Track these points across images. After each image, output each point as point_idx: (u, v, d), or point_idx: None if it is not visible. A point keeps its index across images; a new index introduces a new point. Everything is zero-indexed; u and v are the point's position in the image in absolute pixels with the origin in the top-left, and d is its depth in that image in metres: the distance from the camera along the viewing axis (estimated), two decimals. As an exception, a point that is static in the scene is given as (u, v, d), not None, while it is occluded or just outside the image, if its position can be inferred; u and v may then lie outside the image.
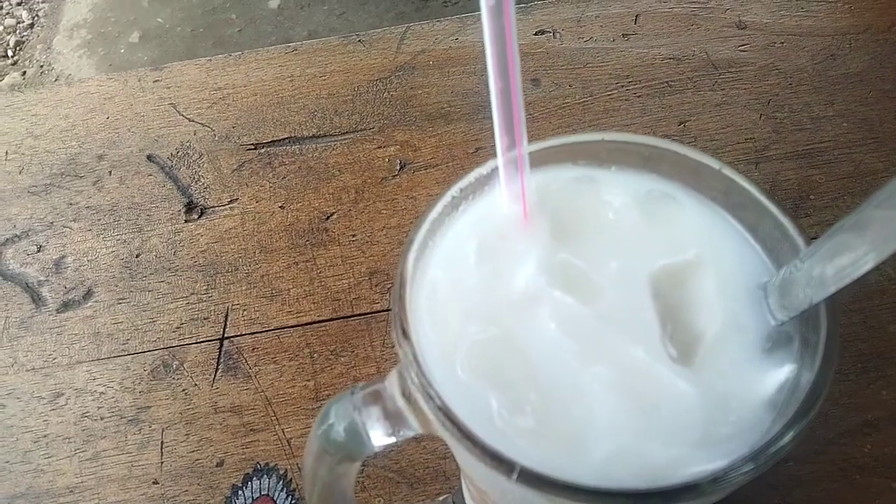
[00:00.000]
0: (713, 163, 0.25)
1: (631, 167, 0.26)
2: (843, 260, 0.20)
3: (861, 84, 0.56)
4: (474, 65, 0.59)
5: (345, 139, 0.55)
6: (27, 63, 2.39)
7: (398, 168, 0.53)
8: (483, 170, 0.26)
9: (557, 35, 0.60)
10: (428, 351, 0.22)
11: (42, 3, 2.58)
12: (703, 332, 0.23)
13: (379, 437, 0.24)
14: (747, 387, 0.22)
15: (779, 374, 0.22)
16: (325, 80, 0.59)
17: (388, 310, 0.46)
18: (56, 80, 2.28)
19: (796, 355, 0.22)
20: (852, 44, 0.58)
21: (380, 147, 0.54)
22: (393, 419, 0.24)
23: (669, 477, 0.20)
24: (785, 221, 0.23)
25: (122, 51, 2.28)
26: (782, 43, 0.58)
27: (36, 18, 2.50)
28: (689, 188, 0.26)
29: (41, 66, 2.35)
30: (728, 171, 0.24)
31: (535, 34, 0.60)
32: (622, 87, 0.57)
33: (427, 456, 0.41)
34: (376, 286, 0.48)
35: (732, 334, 0.23)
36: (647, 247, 0.25)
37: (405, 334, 0.22)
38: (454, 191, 0.25)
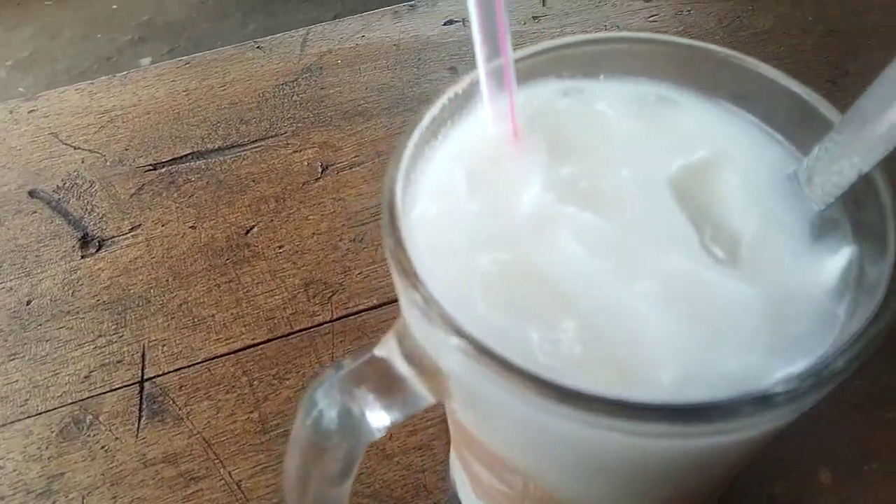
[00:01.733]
0: (716, 50, 0.22)
1: (620, 73, 0.23)
2: (887, 112, 0.17)
3: (771, 41, 0.56)
4: (385, 59, 0.55)
5: (256, 147, 0.50)
6: None
7: (320, 170, 0.48)
8: (459, 87, 0.22)
9: (467, 24, 0.58)
10: (436, 292, 0.17)
11: None
12: (740, 231, 0.20)
13: (380, 417, 0.19)
14: (805, 280, 0.19)
15: (836, 262, 0.19)
16: (225, 89, 0.53)
17: (331, 321, 0.41)
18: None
19: (850, 239, 0.19)
20: (755, 4, 0.58)
21: (296, 151, 0.49)
22: (395, 393, 0.19)
23: (750, 388, 0.16)
24: (808, 97, 0.20)
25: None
26: (689, 10, 0.58)
27: None
28: (688, 86, 0.23)
29: None
30: (734, 57, 0.21)
31: (445, 24, 0.58)
32: (542, 65, 0.54)
33: (402, 472, 0.36)
34: (314, 297, 0.42)
35: (772, 229, 0.20)
36: (656, 152, 0.21)
37: (409, 274, 0.17)
38: (430, 115, 0.21)
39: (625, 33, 0.23)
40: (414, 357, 0.19)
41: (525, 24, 0.58)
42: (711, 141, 0.22)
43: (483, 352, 0.16)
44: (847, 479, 0.35)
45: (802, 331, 0.18)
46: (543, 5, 0.59)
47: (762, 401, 0.15)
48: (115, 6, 2.48)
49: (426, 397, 0.20)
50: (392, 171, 0.20)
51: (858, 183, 0.19)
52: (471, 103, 0.22)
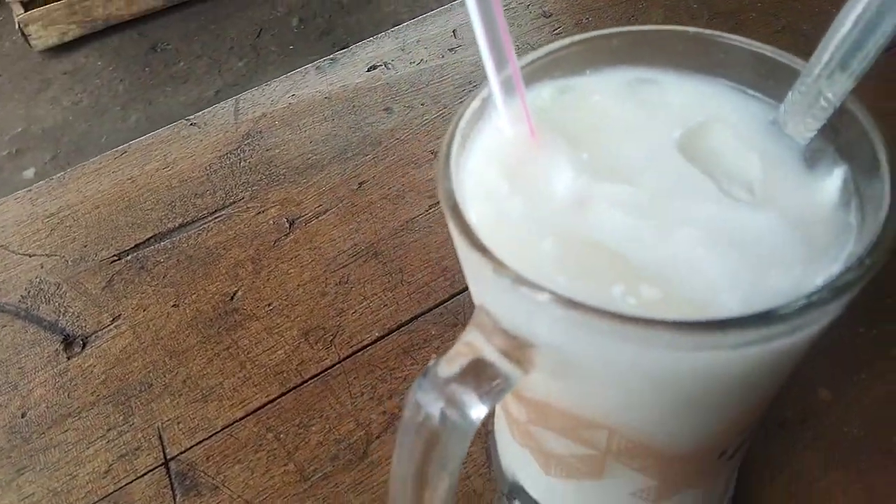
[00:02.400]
0: (686, 29, 0.25)
1: (603, 65, 0.26)
2: (851, 43, 0.21)
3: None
4: (321, 112, 0.57)
5: (217, 217, 0.50)
6: None
7: (288, 226, 0.49)
8: (475, 103, 0.24)
9: (390, 66, 0.60)
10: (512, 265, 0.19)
11: None
12: (748, 174, 0.23)
13: (477, 405, 0.21)
14: (814, 200, 0.22)
15: (833, 181, 0.22)
16: (169, 170, 0.54)
17: (340, 361, 0.42)
18: None
19: (839, 160, 0.23)
20: (645, 2, 0.64)
21: (259, 213, 0.50)
22: (487, 379, 0.21)
23: (806, 292, 0.19)
24: (770, 53, 0.24)
25: None
26: (588, 18, 0.63)
27: None
28: (664, 66, 0.26)
29: None
30: (699, 33, 0.25)
31: (368, 70, 0.60)
32: (469, 92, 0.58)
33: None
34: (317, 344, 0.43)
35: (773, 167, 0.23)
36: (656, 125, 0.24)
37: (493, 260, 0.19)
38: (460, 128, 0.23)
39: (597, 32, 0.26)
40: (500, 340, 0.21)
41: (443, 56, 0.61)
42: (698, 108, 0.25)
43: (586, 307, 0.18)
44: (842, 393, 0.39)
45: (827, 241, 0.21)
46: (455, 37, 0.63)
47: (818, 298, 0.18)
48: (-17, 122, 2.38)
49: (516, 375, 0.21)
50: (443, 180, 0.22)
51: (834, 115, 0.22)
52: (485, 114, 0.25)
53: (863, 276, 0.19)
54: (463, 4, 0.66)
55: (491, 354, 0.21)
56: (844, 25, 0.21)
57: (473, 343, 0.21)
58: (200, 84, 2.32)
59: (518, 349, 0.21)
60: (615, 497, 0.28)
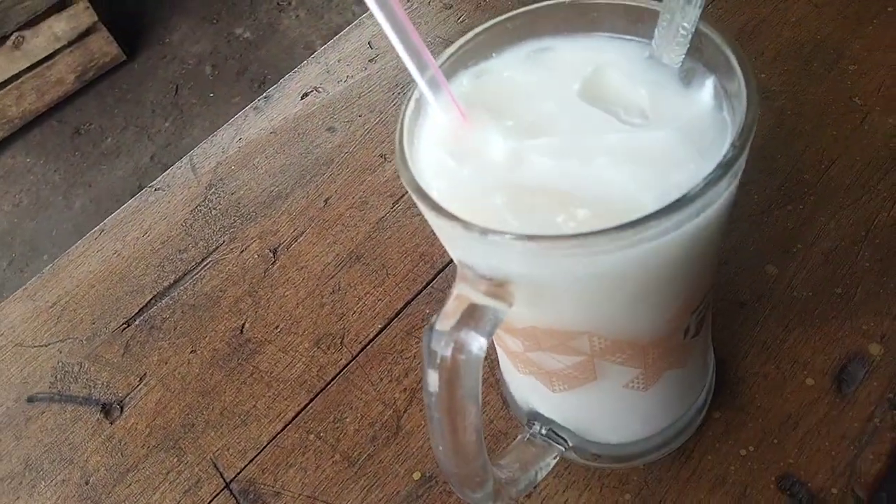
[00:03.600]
0: (563, 0, 0.30)
1: (505, 45, 0.31)
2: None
3: None
4: (270, 147, 0.62)
5: (205, 265, 0.55)
6: None
7: (272, 255, 0.54)
8: (411, 104, 0.29)
9: (320, 89, 0.65)
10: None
11: None
12: (639, 102, 0.28)
13: (478, 340, 0.26)
14: (694, 110, 0.27)
15: (706, 90, 0.28)
16: (148, 235, 0.58)
17: (354, 358, 0.47)
18: None
19: (707, 72, 0.28)
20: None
21: (243, 251, 0.55)
22: (480, 318, 0.26)
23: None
24: (634, 3, 0.29)
25: None
26: (485, 0, 0.68)
27: None
28: (554, 34, 0.31)
29: None
30: (575, 2, 0.30)
31: (302, 98, 0.65)
32: (399, 94, 0.63)
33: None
34: (329, 348, 0.48)
35: (657, 92, 0.28)
36: (559, 82, 0.30)
37: (464, 223, 0.24)
38: (405, 126, 0.28)
39: (494, 20, 0.31)
40: (483, 286, 0.26)
41: (366, 68, 0.66)
42: (589, 60, 0.30)
43: (540, 237, 0.23)
44: (785, 265, 0.45)
45: (711, 139, 0.26)
46: (371, 47, 0.68)
47: (714, 178, 0.23)
48: (-71, 247, 2.36)
49: (502, 309, 0.27)
50: (404, 171, 0.27)
51: (693, 38, 0.28)
52: (421, 110, 0.30)
53: (738, 153, 0.24)
54: (371, 17, 0.71)
55: (479, 298, 0.26)
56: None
57: (462, 294, 0.26)
58: (133, 154, 2.33)
59: (499, 287, 0.26)
60: (612, 393, 0.34)
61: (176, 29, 2.78)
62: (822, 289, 0.44)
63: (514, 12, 0.31)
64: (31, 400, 0.50)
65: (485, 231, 0.24)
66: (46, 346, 0.53)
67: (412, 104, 0.30)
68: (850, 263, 0.45)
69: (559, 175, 0.26)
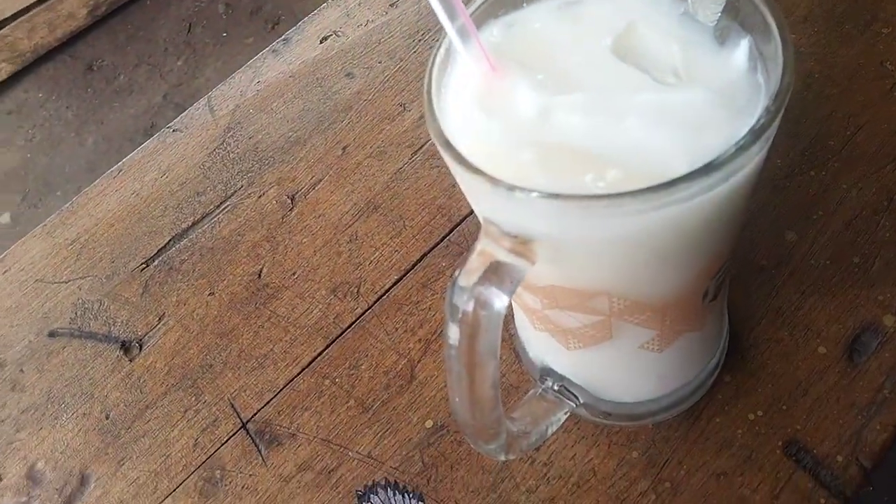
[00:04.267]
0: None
1: (535, -1, 0.31)
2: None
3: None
4: (288, 92, 0.61)
5: (224, 209, 0.55)
6: None
7: (290, 202, 0.54)
8: (441, 52, 0.29)
9: (339, 34, 0.64)
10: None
11: None
12: (673, 60, 0.28)
13: (499, 296, 0.26)
14: (729, 69, 0.27)
15: (741, 50, 0.27)
16: (166, 177, 0.58)
17: (370, 307, 0.47)
18: None
19: (743, 33, 0.28)
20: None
21: (260, 196, 0.55)
22: (502, 274, 0.26)
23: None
24: (673, -43, 0.29)
25: None
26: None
27: None
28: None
29: None
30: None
31: (321, 42, 0.64)
32: (420, 41, 0.62)
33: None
34: (346, 296, 0.48)
35: (691, 50, 0.28)
36: (590, 36, 0.29)
37: (492, 179, 0.24)
38: (434, 76, 0.28)
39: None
40: (507, 242, 0.26)
41: (387, 13, 0.65)
42: (622, 14, 0.30)
43: (567, 196, 0.23)
44: (805, 231, 0.45)
45: (744, 101, 0.26)
46: (393, -7, 0.66)
47: (747, 143, 0.23)
48: (-57, 180, 2.38)
49: (525, 266, 0.27)
50: (431, 122, 0.27)
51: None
52: (450, 60, 0.29)
53: (772, 119, 0.24)
54: (393, -41, 0.69)
55: (502, 255, 0.27)
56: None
57: (486, 250, 0.27)
58: (146, 92, 2.32)
59: (522, 245, 0.26)
60: (627, 353, 0.34)
61: (190, -35, 2.72)
62: (840, 257, 0.44)
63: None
64: (52, 335, 0.51)
65: (512, 188, 0.24)
66: (66, 282, 0.54)
67: (442, 53, 0.29)
68: (870, 233, 0.44)
69: (589, 133, 0.26)
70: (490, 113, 0.28)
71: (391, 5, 0.65)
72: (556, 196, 0.24)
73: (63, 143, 2.30)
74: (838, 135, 0.49)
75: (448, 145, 0.26)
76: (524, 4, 0.31)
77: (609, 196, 0.23)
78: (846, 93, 0.50)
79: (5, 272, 0.56)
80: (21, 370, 0.50)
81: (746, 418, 0.39)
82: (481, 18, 0.30)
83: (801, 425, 0.39)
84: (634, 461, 0.39)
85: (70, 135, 2.31)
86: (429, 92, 0.28)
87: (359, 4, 0.66)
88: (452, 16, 0.28)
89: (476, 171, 0.25)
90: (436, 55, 0.29)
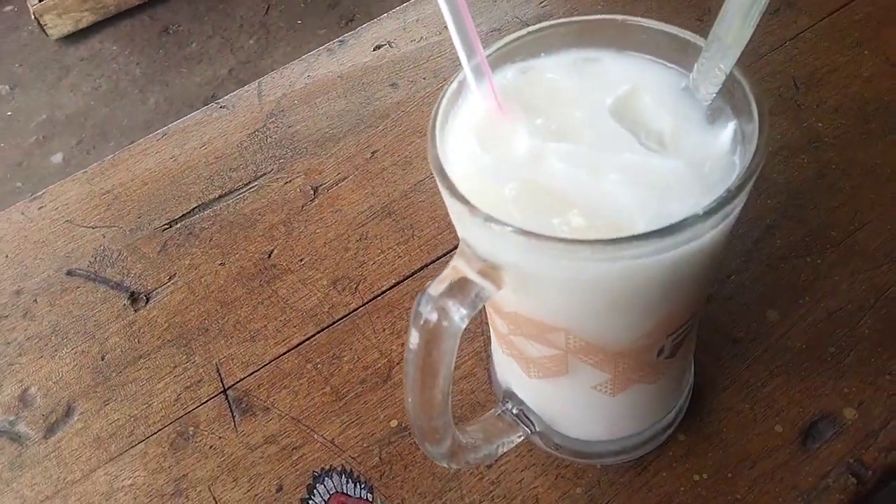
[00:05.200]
0: (616, 17, 0.32)
1: (555, 48, 0.33)
2: (732, 30, 0.28)
3: None
4: (334, 90, 0.64)
5: (251, 188, 0.58)
6: None
7: (312, 193, 0.57)
8: (453, 85, 0.31)
9: (393, 45, 0.67)
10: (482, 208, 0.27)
11: None
12: (662, 129, 0.30)
13: (462, 312, 0.28)
14: (710, 148, 0.29)
15: (727, 132, 0.29)
16: (205, 148, 0.62)
17: (364, 305, 0.50)
18: None
19: (732, 116, 0.30)
20: (621, -25, 0.70)
21: (286, 183, 0.58)
22: (469, 293, 0.28)
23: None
24: (682, 35, 0.31)
25: None
26: (570, -8, 0.69)
27: None
28: (603, 47, 0.33)
29: None
30: (629, 20, 0.32)
31: (374, 49, 0.67)
32: (465, 65, 0.65)
33: (458, 398, 0.45)
34: (343, 291, 0.51)
35: (682, 123, 0.30)
36: (594, 93, 0.31)
37: (468, 205, 0.27)
38: (442, 106, 0.31)
39: (552, 21, 0.33)
40: (477, 264, 0.29)
41: (440, 34, 0.68)
42: (628, 79, 0.32)
43: (533, 234, 0.26)
44: (788, 313, 0.46)
45: (718, 178, 0.28)
46: (451, 16, 0.70)
47: (702, 216, 0.25)
48: (9, 112, 2.48)
49: (490, 289, 0.29)
50: (431, 148, 0.30)
51: (726, 81, 0.29)
52: (461, 94, 0.32)
53: (731, 197, 0.26)
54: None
55: (471, 275, 0.29)
56: (726, 18, 0.28)
57: (458, 267, 0.29)
58: (214, 63, 2.39)
59: (491, 269, 0.29)
60: (580, 390, 0.36)
61: (280, -50, 2.80)
62: (816, 345, 0.45)
63: (570, 19, 0.33)
64: (69, 273, 0.55)
65: (488, 218, 0.27)
66: (93, 228, 0.57)
67: (454, 85, 0.32)
68: (851, 327, 0.46)
69: (570, 181, 0.28)
70: (486, 147, 0.30)
71: (446, 27, 0.68)
72: (525, 233, 0.26)
73: (126, 98, 2.38)
74: (842, 227, 0.50)
75: (441, 170, 0.29)
76: (542, 54, 0.33)
77: (566, 241, 0.25)
78: (858, 189, 0.52)
79: (41, 208, 0.59)
80: (35, 300, 0.54)
81: (691, 478, 0.41)
82: (499, 60, 0.33)
83: (742, 496, 0.40)
84: (577, 497, 0.41)
85: (134, 91, 2.39)
86: (434, 118, 0.31)
87: (416, 21, 0.69)
88: (470, 54, 0.30)
89: (460, 197, 0.28)
90: (449, 87, 0.32)
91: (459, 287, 0.29)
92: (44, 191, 0.61)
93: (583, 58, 0.33)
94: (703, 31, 0.31)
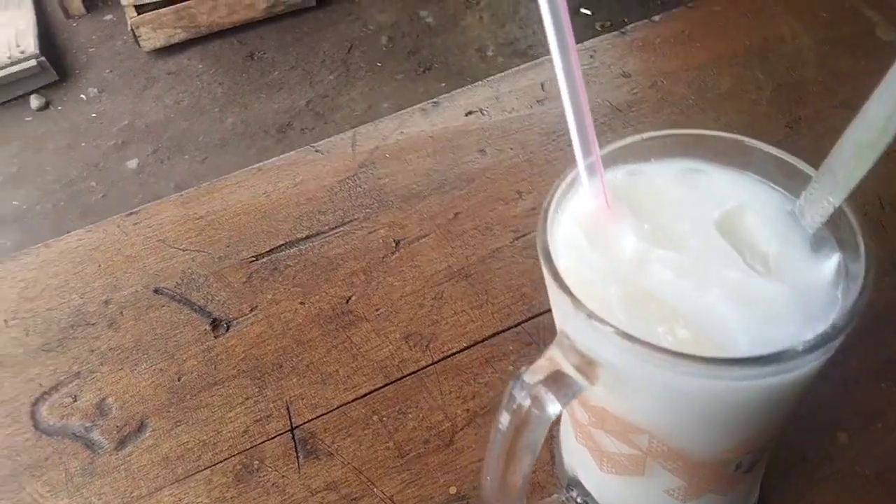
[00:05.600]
0: (728, 135, 0.33)
1: (664, 155, 0.35)
2: (846, 167, 0.29)
3: (733, 99, 0.69)
4: (424, 149, 0.67)
5: (336, 233, 0.60)
6: None
7: (394, 245, 0.59)
8: (566, 181, 0.33)
9: (485, 112, 0.70)
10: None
11: None
12: (768, 251, 0.31)
13: (554, 403, 0.30)
14: (813, 278, 0.30)
15: (830, 264, 0.30)
16: (298, 188, 0.64)
17: (433, 364, 0.51)
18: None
19: (836, 248, 0.31)
20: (715, 70, 0.72)
21: (371, 232, 0.60)
22: (563, 385, 0.30)
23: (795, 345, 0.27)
24: (790, 160, 0.32)
25: (-20, 241, 2.17)
26: (663, 81, 0.71)
27: None
28: (710, 160, 0.34)
29: None
30: (738, 138, 0.33)
31: (466, 115, 0.70)
32: (553, 141, 0.67)
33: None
34: (415, 346, 0.52)
35: (787, 248, 0.31)
36: (701, 205, 0.33)
37: (573, 298, 0.28)
38: (556, 197, 0.32)
39: (664, 131, 0.35)
40: (574, 358, 0.30)
41: (532, 107, 0.70)
42: (735, 195, 0.33)
43: (637, 340, 0.27)
44: (859, 438, 0.46)
45: (819, 310, 0.29)
46: (543, 89, 0.72)
47: (802, 350, 0.26)
48: (94, 115, 2.59)
49: (584, 385, 0.30)
50: (541, 235, 0.31)
51: (835, 213, 0.30)
52: (573, 188, 0.33)
53: (835, 335, 0.27)
54: (550, 61, 0.75)
55: (567, 368, 0.30)
56: (842, 154, 0.29)
57: (554, 358, 0.30)
58: (293, 93, 2.48)
59: (587, 365, 0.30)
60: (653, 493, 0.37)
61: (369, -7, 2.91)
62: (886, 476, 0.45)
63: (682, 131, 0.34)
64: (156, 291, 0.58)
65: (591, 315, 0.28)
66: (183, 250, 0.60)
67: (568, 179, 0.33)
68: (921, 457, 0.45)
69: (675, 290, 0.30)
70: (593, 243, 0.32)
71: (538, 101, 0.71)
72: (629, 337, 0.27)
73: (205, 114, 2.48)
74: (919, 354, 0.50)
75: (549, 259, 0.30)
76: (651, 159, 0.35)
77: (673, 353, 0.26)
78: (940, 319, 0.51)
79: (136, 224, 0.63)
80: (121, 312, 0.56)
81: (744, 590, 0.41)
82: (609, 160, 0.35)
83: None
84: (626, 591, 0.41)
85: (214, 109, 2.48)
86: (546, 209, 0.32)
87: (509, 92, 0.72)
88: (586, 153, 0.32)
89: (565, 288, 0.29)
90: (562, 180, 0.33)
91: (554, 379, 0.30)
92: (140, 207, 0.64)
93: (689, 168, 0.35)
94: (792, 139, 0.32)
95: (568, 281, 0.30)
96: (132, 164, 2.35)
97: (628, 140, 0.35)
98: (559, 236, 0.33)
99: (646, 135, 0.35)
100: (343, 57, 2.60)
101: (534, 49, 2.53)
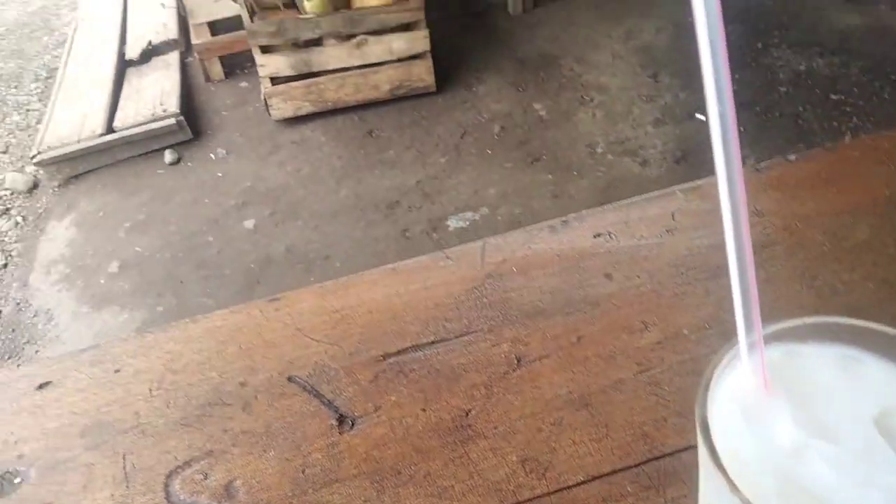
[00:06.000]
0: (888, 330, 0.34)
1: (824, 339, 0.35)
2: None
3: (870, 250, 0.68)
4: (551, 266, 0.69)
5: (460, 342, 0.63)
6: (2, 302, 2.39)
7: (516, 362, 0.61)
8: (728, 356, 0.34)
9: (613, 236, 0.72)
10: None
11: (14, 242, 2.65)
12: (932, 457, 0.31)
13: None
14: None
15: None
16: (428, 292, 0.67)
17: (549, 493, 0.52)
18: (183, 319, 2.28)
19: None
20: (852, 219, 0.71)
21: (494, 345, 0.62)
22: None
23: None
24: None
25: (102, 282, 2.34)
26: (797, 224, 0.71)
27: (9, 258, 2.55)
28: (869, 350, 0.34)
29: (18, 304, 2.36)
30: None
31: (595, 237, 0.72)
32: (682, 274, 0.67)
33: None
34: (531, 473, 0.53)
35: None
36: (861, 399, 0.33)
37: (731, 483, 0.29)
38: (714, 374, 0.33)
39: (821, 318, 0.35)
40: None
41: (661, 236, 0.71)
42: (893, 392, 0.33)
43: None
44: None
45: None
46: (673, 219, 0.73)
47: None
48: (220, 174, 2.77)
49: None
50: (699, 408, 0.32)
51: None
52: (731, 364, 0.34)
53: None
54: (682, 190, 0.76)
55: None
56: None
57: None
58: (405, 172, 2.58)
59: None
60: None
61: (485, 83, 3.03)
62: None
63: (845, 320, 0.35)
64: (290, 379, 0.61)
65: (747, 502, 0.28)
66: (318, 341, 0.64)
67: (728, 356, 0.34)
68: None
69: (832, 487, 0.30)
70: (750, 421, 0.32)
71: (668, 231, 0.72)
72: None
73: (321, 184, 2.61)
74: None
75: (707, 434, 0.31)
76: (809, 341, 0.35)
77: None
78: None
79: (277, 310, 0.67)
80: (256, 396, 0.60)
81: None
82: (768, 339, 0.35)
83: None
84: None
85: (331, 180, 2.61)
86: (707, 384, 0.33)
87: (639, 219, 0.73)
88: (749, 330, 0.33)
89: (723, 469, 0.30)
90: (723, 355, 0.34)
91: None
92: (282, 294, 0.69)
93: (847, 355, 0.35)
94: None
95: (724, 460, 0.30)
96: (249, 223, 2.49)
97: (790, 323, 0.35)
98: (715, 408, 0.33)
99: (809, 319, 0.35)
100: (456, 142, 2.70)
101: (644, 150, 2.55)
